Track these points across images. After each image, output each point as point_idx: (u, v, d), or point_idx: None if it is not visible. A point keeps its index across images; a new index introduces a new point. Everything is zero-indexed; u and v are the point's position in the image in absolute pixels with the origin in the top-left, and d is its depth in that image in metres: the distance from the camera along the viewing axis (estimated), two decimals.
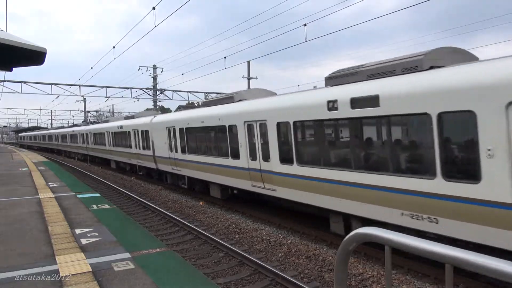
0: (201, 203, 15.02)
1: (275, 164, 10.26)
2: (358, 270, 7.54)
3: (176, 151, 16.31)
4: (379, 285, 6.92)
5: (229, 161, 12.48)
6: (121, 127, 24.11)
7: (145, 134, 20.03)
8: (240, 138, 11.85)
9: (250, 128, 11.33)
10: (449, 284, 1.53)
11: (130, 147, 22.70)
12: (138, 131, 21.13)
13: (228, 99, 13.53)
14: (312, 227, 10.22)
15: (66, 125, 70.58)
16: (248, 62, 34.56)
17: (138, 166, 22.89)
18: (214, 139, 13.65)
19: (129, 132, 22.66)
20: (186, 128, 15.35)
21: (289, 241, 9.64)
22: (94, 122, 42.44)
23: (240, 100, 12.82)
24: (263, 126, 10.67)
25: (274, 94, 12.79)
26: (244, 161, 11.78)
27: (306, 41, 19.00)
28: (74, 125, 48.60)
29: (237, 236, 10.41)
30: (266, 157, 10.63)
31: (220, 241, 9.38)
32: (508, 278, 1.28)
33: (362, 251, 8.41)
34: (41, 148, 62.52)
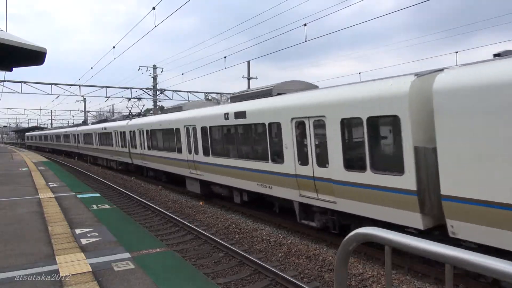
0: (201, 203, 15.02)
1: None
2: (358, 270, 7.55)
3: None
4: (379, 285, 6.92)
5: None
6: (238, 114, 11.66)
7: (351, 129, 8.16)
8: None
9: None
10: (449, 284, 1.53)
11: (273, 159, 10.33)
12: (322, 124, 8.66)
13: None
14: (312, 226, 10.20)
15: (65, 124, 69.72)
16: (248, 62, 34.56)
17: (304, 206, 9.64)
18: None
19: (272, 125, 10.36)
20: None
21: (289, 241, 9.64)
22: (140, 113, 28.34)
23: None
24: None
25: None
26: None
27: (306, 41, 19.02)
28: (103, 120, 35.96)
29: (237, 236, 10.41)
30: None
31: (220, 241, 9.38)
32: (508, 278, 1.28)
33: (362, 251, 8.42)
34: (54, 150, 52.84)
